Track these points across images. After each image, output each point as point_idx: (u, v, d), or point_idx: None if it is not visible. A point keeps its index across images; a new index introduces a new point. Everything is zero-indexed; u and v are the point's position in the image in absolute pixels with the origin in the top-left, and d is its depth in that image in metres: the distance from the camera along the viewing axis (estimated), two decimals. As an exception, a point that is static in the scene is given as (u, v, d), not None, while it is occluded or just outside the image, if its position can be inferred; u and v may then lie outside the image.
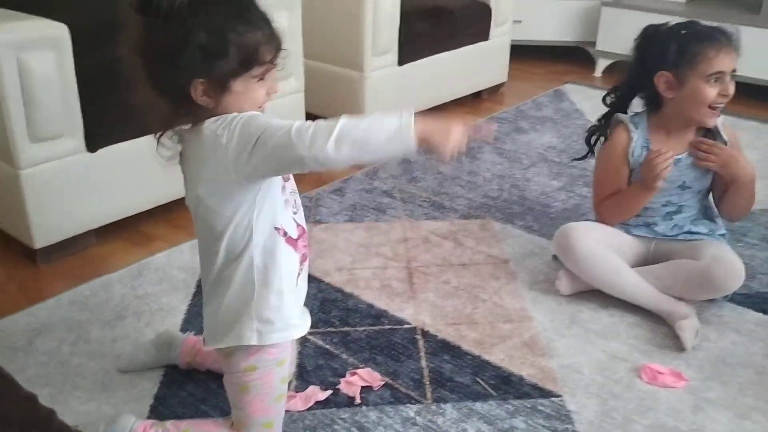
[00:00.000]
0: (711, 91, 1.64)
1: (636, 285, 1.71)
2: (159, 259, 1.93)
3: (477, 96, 3.35)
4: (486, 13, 3.16)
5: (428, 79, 2.92)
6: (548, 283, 1.84)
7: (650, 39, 1.70)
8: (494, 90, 3.43)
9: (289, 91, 2.33)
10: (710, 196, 1.82)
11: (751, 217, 1.99)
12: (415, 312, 1.73)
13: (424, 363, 1.55)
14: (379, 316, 1.71)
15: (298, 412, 1.40)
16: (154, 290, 1.79)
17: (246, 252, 1.14)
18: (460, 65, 3.06)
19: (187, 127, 1.14)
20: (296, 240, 1.19)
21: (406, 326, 1.68)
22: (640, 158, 1.73)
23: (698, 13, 3.13)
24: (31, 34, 1.72)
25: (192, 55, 1.04)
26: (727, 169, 1.69)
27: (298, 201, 1.23)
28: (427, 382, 1.50)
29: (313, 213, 2.19)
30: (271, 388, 1.23)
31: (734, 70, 1.65)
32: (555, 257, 1.89)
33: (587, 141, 1.86)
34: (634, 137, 1.74)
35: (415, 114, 1.04)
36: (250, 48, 1.07)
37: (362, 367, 1.53)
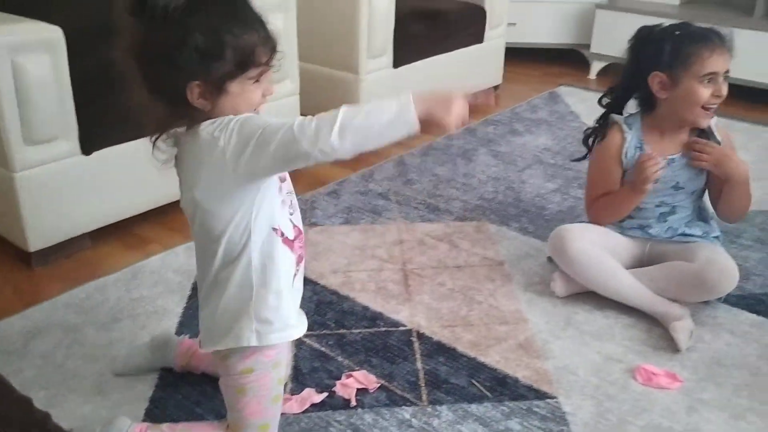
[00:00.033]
0: (704, 92, 1.65)
1: (630, 286, 1.71)
2: (154, 261, 1.93)
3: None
4: (481, 15, 3.17)
5: (423, 82, 2.92)
6: (543, 284, 1.84)
7: (644, 40, 1.71)
8: (489, 93, 3.44)
9: (284, 93, 2.34)
10: (704, 198, 1.83)
11: (745, 219, 1.99)
12: (410, 314, 1.73)
13: (419, 365, 1.56)
14: (374, 318, 1.71)
15: (294, 414, 1.40)
16: (149, 293, 1.79)
17: (244, 253, 1.14)
18: (455, 67, 3.07)
19: (182, 129, 1.14)
20: (293, 241, 1.19)
21: (401, 328, 1.68)
22: (633, 159, 1.74)
23: (692, 15, 3.15)
24: (25, 36, 1.72)
25: (188, 58, 1.04)
26: (720, 167, 1.70)
27: (295, 202, 1.23)
28: (423, 384, 1.50)
29: (308, 215, 2.19)
30: (267, 390, 1.23)
31: (727, 71, 1.66)
32: (550, 259, 1.89)
33: (584, 143, 1.87)
34: (628, 138, 1.75)
35: (413, 93, 1.05)
36: (246, 50, 1.07)
37: (358, 370, 1.53)
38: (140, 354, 1.51)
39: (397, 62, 2.78)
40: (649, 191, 1.69)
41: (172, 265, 1.91)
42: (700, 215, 1.82)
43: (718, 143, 1.73)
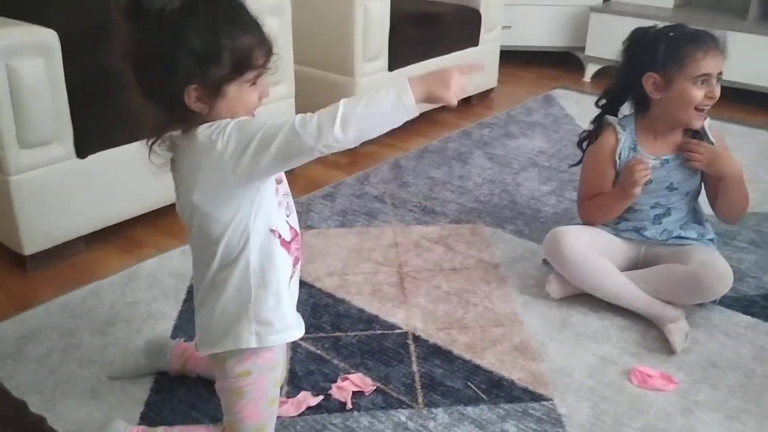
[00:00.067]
0: (698, 93, 1.65)
1: (626, 289, 1.72)
2: (149, 265, 1.93)
3: (467, 101, 3.36)
4: (476, 18, 3.18)
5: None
6: (539, 287, 1.85)
7: (639, 41, 1.72)
8: (484, 95, 3.45)
9: (279, 96, 2.34)
10: (699, 201, 1.84)
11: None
12: (406, 317, 1.73)
13: (415, 367, 1.56)
14: (370, 321, 1.71)
15: (290, 417, 1.40)
16: (144, 297, 1.79)
17: (242, 255, 1.14)
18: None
19: (177, 133, 1.14)
20: (289, 243, 1.19)
21: (397, 331, 1.68)
22: (626, 160, 1.75)
23: (686, 18, 3.16)
24: (20, 40, 1.71)
25: (185, 61, 1.04)
26: (713, 167, 1.71)
27: (291, 203, 1.24)
28: (419, 387, 1.50)
29: (303, 218, 2.19)
30: (264, 392, 1.23)
31: (720, 73, 1.67)
32: (545, 261, 1.90)
33: (579, 146, 1.88)
34: (622, 139, 1.76)
35: (409, 78, 1.07)
36: (243, 52, 1.07)
37: (353, 372, 1.53)
38: (135, 358, 1.51)
39: (393, 65, 2.78)
40: (638, 195, 1.70)
41: (167, 268, 1.91)
42: (695, 217, 1.83)
43: (712, 144, 1.74)
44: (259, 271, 1.16)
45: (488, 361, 1.58)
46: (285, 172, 1.21)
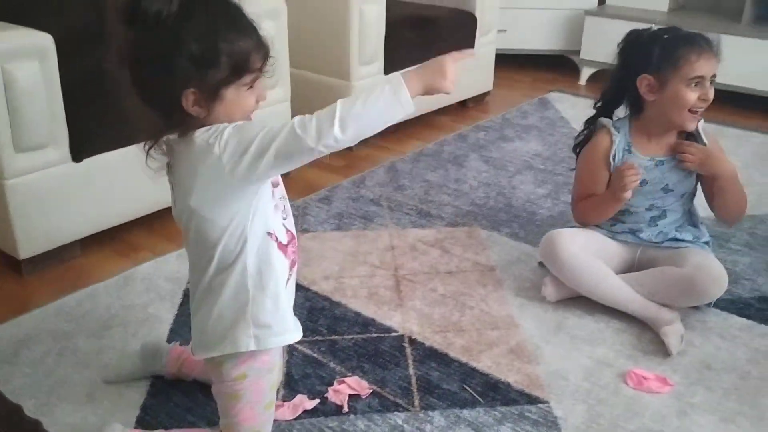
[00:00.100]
0: (691, 95, 1.66)
1: (621, 291, 1.72)
2: (145, 268, 1.92)
3: (462, 105, 3.37)
4: (471, 22, 3.19)
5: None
6: (534, 289, 1.85)
7: (634, 43, 1.73)
8: (480, 99, 3.45)
9: (275, 100, 2.34)
10: (695, 203, 1.84)
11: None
12: (402, 320, 1.73)
13: (411, 371, 1.56)
14: (366, 324, 1.71)
15: (286, 421, 1.40)
16: (140, 300, 1.78)
17: (240, 258, 1.14)
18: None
19: (174, 137, 1.14)
20: (286, 246, 1.20)
21: (393, 334, 1.68)
22: (621, 161, 1.76)
23: (681, 21, 3.16)
24: (15, 44, 1.71)
25: (183, 65, 1.04)
26: (706, 167, 1.72)
27: (288, 207, 1.24)
28: (415, 390, 1.50)
29: (300, 221, 2.19)
30: (261, 395, 1.23)
31: (714, 76, 1.67)
32: (541, 264, 1.90)
33: (574, 150, 1.89)
34: (616, 140, 1.77)
35: (404, 74, 1.09)
36: (241, 56, 1.07)
37: (350, 376, 1.53)
38: (131, 361, 1.50)
39: (388, 69, 2.79)
40: (628, 199, 1.71)
41: (163, 272, 1.91)
42: (690, 220, 1.84)
43: (704, 145, 1.75)
44: (257, 274, 1.16)
45: (484, 364, 1.58)
46: (281, 176, 1.21)
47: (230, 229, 1.12)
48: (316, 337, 1.66)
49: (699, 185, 1.81)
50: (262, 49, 1.10)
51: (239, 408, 1.22)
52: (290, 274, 1.23)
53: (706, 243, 1.80)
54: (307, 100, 2.68)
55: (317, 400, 1.45)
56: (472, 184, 2.50)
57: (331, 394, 1.47)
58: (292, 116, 2.51)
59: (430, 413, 1.44)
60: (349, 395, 1.47)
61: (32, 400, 1.44)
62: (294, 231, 1.24)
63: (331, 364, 1.57)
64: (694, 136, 1.76)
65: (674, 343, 1.61)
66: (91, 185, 1.94)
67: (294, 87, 2.48)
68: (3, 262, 1.92)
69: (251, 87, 1.11)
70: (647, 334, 1.69)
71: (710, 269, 1.66)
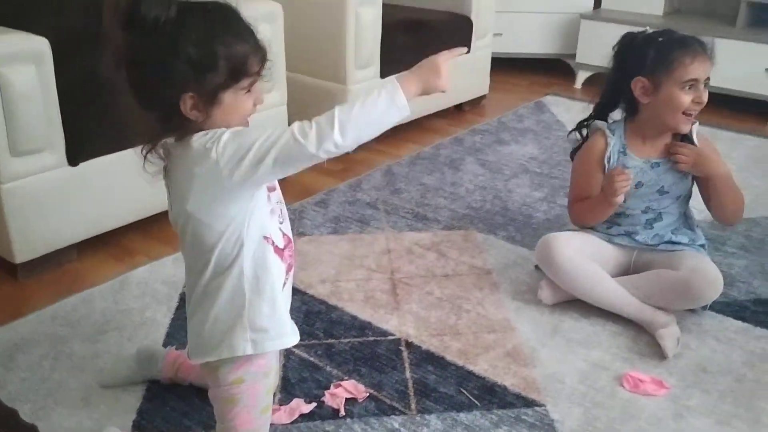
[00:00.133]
0: (685, 98, 1.67)
1: (616, 294, 1.73)
2: (141, 273, 1.92)
3: (459, 108, 3.37)
4: (467, 26, 3.19)
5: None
6: (531, 293, 1.85)
7: (628, 46, 1.74)
8: (476, 102, 3.46)
9: (272, 103, 2.34)
10: (691, 206, 1.85)
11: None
12: (399, 323, 1.73)
13: (408, 374, 1.56)
14: (363, 327, 1.71)
15: (283, 425, 1.40)
16: (136, 304, 1.78)
17: (236, 263, 1.14)
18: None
19: (171, 140, 1.14)
20: (282, 250, 1.20)
21: (390, 337, 1.68)
22: (615, 164, 1.76)
23: (676, 25, 3.18)
24: (11, 48, 1.71)
25: (181, 70, 1.04)
26: (698, 167, 1.72)
27: (284, 211, 1.24)
28: (412, 394, 1.50)
29: (296, 225, 2.19)
30: (257, 400, 1.23)
31: (708, 78, 1.68)
32: (537, 267, 1.90)
33: (571, 156, 1.90)
34: (611, 143, 1.77)
35: (399, 77, 1.11)
36: (239, 60, 1.07)
37: (346, 379, 1.53)
38: (127, 366, 1.50)
39: (384, 72, 2.79)
40: (620, 203, 1.71)
41: (160, 276, 1.90)
42: (686, 223, 1.84)
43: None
44: (253, 278, 1.16)
45: (481, 367, 1.58)
46: (278, 180, 1.21)
47: (227, 233, 1.12)
48: (312, 341, 1.66)
49: (695, 187, 1.82)
50: (260, 52, 1.10)
51: (236, 412, 1.22)
52: (287, 278, 1.23)
53: (702, 246, 1.80)
54: (303, 103, 2.69)
55: (314, 404, 1.45)
56: (468, 188, 2.51)
57: (327, 398, 1.47)
58: (289, 119, 2.53)
59: (426, 417, 1.44)
60: (346, 399, 1.47)
61: (28, 404, 1.43)
62: (291, 235, 1.24)
63: (328, 368, 1.57)
64: (688, 139, 1.77)
65: (670, 346, 1.61)
66: (87, 189, 1.93)
67: (290, 91, 2.48)
68: (-1, 267, 1.92)
69: (249, 91, 1.11)
70: (643, 337, 1.69)
71: (706, 272, 1.67)
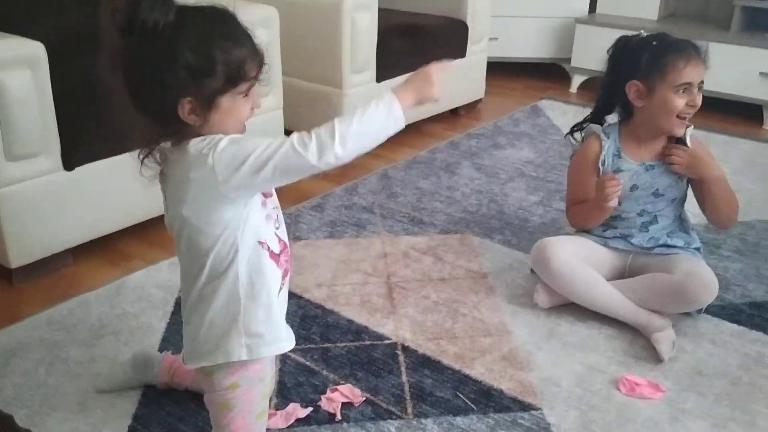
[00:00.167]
0: (679, 101, 1.68)
1: (612, 298, 1.73)
2: (137, 277, 1.92)
3: (454, 112, 3.38)
4: (463, 30, 3.20)
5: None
6: (527, 296, 1.85)
7: (622, 49, 1.75)
8: (472, 106, 3.47)
9: (268, 108, 2.34)
10: (686, 210, 1.86)
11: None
12: (395, 327, 1.73)
13: (404, 378, 1.56)
14: (359, 331, 1.71)
15: (279, 429, 1.40)
16: (132, 309, 1.78)
17: (231, 268, 1.14)
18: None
19: (167, 145, 1.14)
20: (278, 255, 1.20)
21: (386, 341, 1.68)
22: (610, 167, 1.77)
23: (670, 30, 3.19)
24: (7, 53, 1.71)
25: (179, 75, 1.04)
26: (693, 169, 1.73)
27: (281, 216, 1.24)
28: (408, 398, 1.50)
29: (292, 229, 2.19)
30: (252, 404, 1.23)
31: (702, 82, 1.69)
32: (533, 271, 1.91)
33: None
34: (605, 146, 1.78)
35: (393, 90, 1.14)
36: (236, 64, 1.08)
37: (343, 384, 1.53)
38: (122, 371, 1.50)
39: (380, 77, 2.80)
40: (613, 207, 1.72)
41: (155, 280, 1.90)
42: (682, 226, 1.85)
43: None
44: (248, 283, 1.16)
45: (477, 371, 1.58)
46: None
47: (222, 238, 1.13)
48: (308, 345, 1.66)
49: (690, 190, 1.82)
50: (257, 57, 1.11)
51: (231, 417, 1.22)
52: (283, 283, 1.23)
53: (697, 249, 1.81)
54: (299, 108, 2.70)
55: (310, 409, 1.45)
56: (464, 192, 2.51)
57: (324, 402, 1.47)
58: (285, 124, 2.53)
59: (423, 421, 1.44)
60: (342, 403, 1.47)
61: (24, 409, 1.43)
62: (287, 240, 1.24)
63: (324, 372, 1.57)
64: (683, 142, 1.78)
65: (666, 350, 1.62)
66: (82, 194, 1.93)
67: (286, 95, 2.49)
68: (-6, 272, 1.91)
69: (247, 95, 1.12)
70: (639, 341, 1.69)
71: (701, 276, 1.67)
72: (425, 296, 1.87)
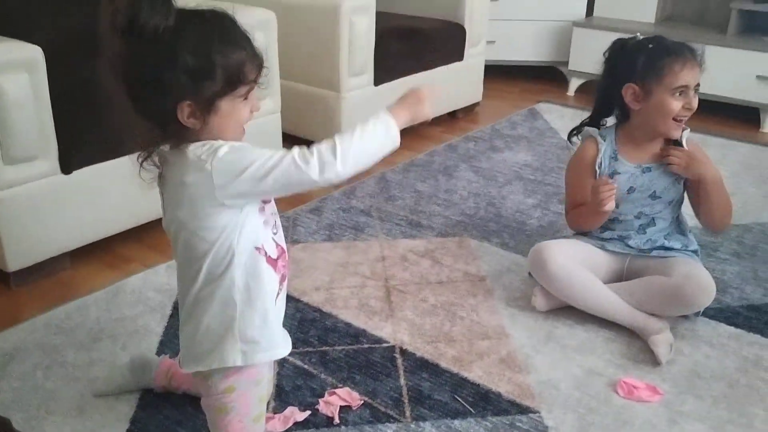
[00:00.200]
0: (675, 104, 1.68)
1: (610, 301, 1.73)
2: (134, 281, 1.92)
3: (452, 116, 3.38)
4: (460, 33, 3.21)
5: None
6: (525, 299, 1.86)
7: (619, 52, 1.76)
8: (469, 109, 3.47)
9: (266, 111, 2.34)
10: (683, 213, 1.86)
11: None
12: (393, 330, 1.73)
13: (402, 381, 1.56)
14: (357, 335, 1.71)
15: (277, 433, 1.40)
16: (129, 312, 1.78)
17: (227, 272, 1.14)
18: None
19: (167, 148, 1.14)
20: (276, 260, 1.20)
21: (384, 345, 1.68)
22: (606, 170, 1.77)
23: (667, 33, 3.20)
24: (4, 56, 1.71)
25: (179, 78, 1.04)
26: (690, 170, 1.73)
27: (278, 221, 1.24)
28: (406, 401, 1.50)
29: (290, 232, 2.19)
30: (249, 407, 1.23)
31: (698, 85, 1.70)
32: (531, 274, 1.91)
33: None
34: (602, 149, 1.78)
35: (389, 109, 1.18)
36: (236, 68, 1.08)
37: (341, 387, 1.53)
38: (120, 374, 1.50)
39: (378, 80, 2.80)
40: (610, 211, 1.72)
41: (153, 284, 1.90)
42: (679, 228, 1.85)
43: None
44: (245, 289, 1.16)
45: (475, 374, 1.58)
46: None
47: (218, 243, 1.13)
48: (306, 349, 1.66)
49: (686, 194, 1.83)
50: (257, 60, 1.11)
51: (228, 421, 1.22)
52: (280, 288, 1.22)
53: (695, 251, 1.81)
54: (297, 111, 2.70)
55: (308, 412, 1.45)
56: (462, 195, 2.51)
57: (322, 406, 1.47)
58: (283, 127, 2.53)
59: (421, 424, 1.43)
60: (340, 406, 1.47)
61: (21, 413, 1.43)
62: (284, 245, 1.24)
63: (322, 376, 1.57)
64: (679, 145, 1.78)
65: (663, 352, 1.62)
66: (80, 197, 1.93)
67: (284, 98, 2.49)
68: (-9, 275, 1.91)
69: (246, 98, 1.12)
70: (637, 344, 1.69)
71: (698, 278, 1.68)
72: (423, 299, 1.87)
